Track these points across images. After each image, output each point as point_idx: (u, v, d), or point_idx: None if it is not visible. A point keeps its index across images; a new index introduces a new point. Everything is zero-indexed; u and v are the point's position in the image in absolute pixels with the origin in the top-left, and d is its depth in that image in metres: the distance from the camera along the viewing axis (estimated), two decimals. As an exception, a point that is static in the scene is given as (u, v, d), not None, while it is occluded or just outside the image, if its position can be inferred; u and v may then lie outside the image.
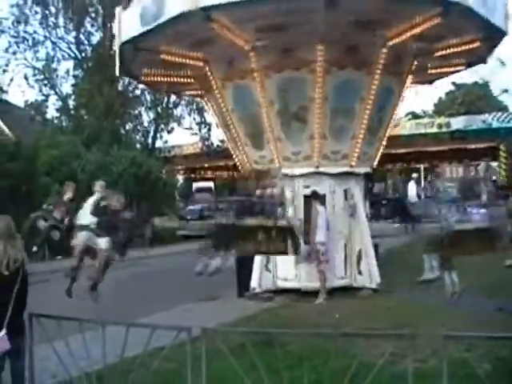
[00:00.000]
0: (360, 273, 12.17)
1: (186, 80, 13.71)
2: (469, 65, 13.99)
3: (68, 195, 12.51)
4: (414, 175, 27.83)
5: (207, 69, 12.38)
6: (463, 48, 11.80)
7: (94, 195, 10.28)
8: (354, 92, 11.83)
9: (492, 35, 11.46)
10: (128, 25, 11.06)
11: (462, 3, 9.54)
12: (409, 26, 10.57)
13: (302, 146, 11.99)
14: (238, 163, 13.83)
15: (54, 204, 12.88)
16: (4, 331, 5.11)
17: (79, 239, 10.18)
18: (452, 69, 14.30)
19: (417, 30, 10.47)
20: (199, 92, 13.94)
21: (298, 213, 11.91)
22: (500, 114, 34.96)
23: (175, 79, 13.69)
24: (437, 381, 4.52)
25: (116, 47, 11.75)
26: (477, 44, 11.60)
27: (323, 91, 11.37)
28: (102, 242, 10.01)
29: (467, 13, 9.87)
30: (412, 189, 25.02)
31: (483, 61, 13.71)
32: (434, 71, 14.13)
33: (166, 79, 13.77)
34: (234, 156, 13.81)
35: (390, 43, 11.23)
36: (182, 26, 10.11)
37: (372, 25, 10.59)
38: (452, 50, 11.99)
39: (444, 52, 12.13)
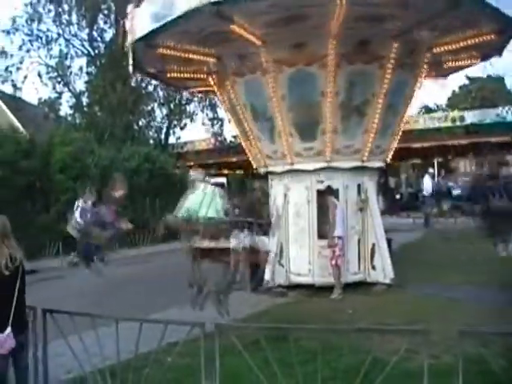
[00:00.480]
0: (374, 268, 12.12)
1: (198, 76, 13.69)
2: (483, 58, 13.83)
3: (120, 192, 12.34)
4: (430, 170, 27.69)
5: (219, 64, 12.36)
6: (477, 40, 11.63)
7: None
8: (366, 86, 11.75)
9: (506, 27, 11.27)
10: (140, 22, 11.01)
11: None
12: (420, 20, 10.43)
13: (315, 141, 11.94)
14: (250, 159, 13.82)
15: (92, 202, 12.53)
16: (9, 329, 5.16)
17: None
18: (466, 62, 14.12)
19: (428, 24, 10.37)
20: (212, 88, 13.88)
21: (311, 210, 11.94)
22: (514, 107, 34.59)
23: (187, 75, 13.68)
24: (452, 377, 4.48)
25: (129, 44, 11.74)
26: (491, 36, 11.44)
27: (335, 86, 11.31)
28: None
29: (480, 4, 9.74)
30: (427, 183, 24.94)
31: (498, 53, 13.53)
32: (448, 65, 13.98)
33: (178, 75, 13.77)
34: (247, 151, 13.79)
35: (401, 37, 11.14)
36: (192, 22, 10.05)
37: (383, 18, 10.49)
38: (465, 43, 11.84)
39: (458, 45, 11.98)
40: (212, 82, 13.44)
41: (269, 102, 11.80)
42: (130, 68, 12.67)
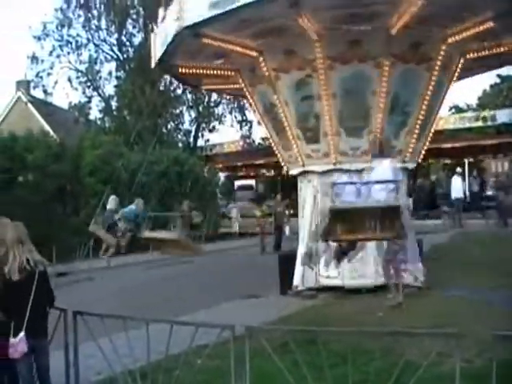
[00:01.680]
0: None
1: (227, 73, 13.48)
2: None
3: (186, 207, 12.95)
4: (458, 169, 27.29)
5: (261, 59, 11.97)
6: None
7: None
8: (413, 87, 11.74)
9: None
10: (193, 9, 10.45)
11: None
12: (473, 24, 10.52)
13: (362, 141, 11.85)
14: (281, 160, 13.72)
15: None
16: (22, 334, 5.21)
17: None
18: (498, 63, 14.06)
19: (479, 28, 10.38)
20: (242, 88, 13.69)
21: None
22: (548, 105, 34.06)
23: (216, 72, 13.44)
24: (484, 381, 4.40)
25: (173, 31, 11.12)
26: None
27: (388, 85, 11.27)
28: None
29: None
30: (457, 183, 24.56)
31: None
32: (479, 68, 13.95)
33: (206, 72, 13.51)
34: (277, 153, 13.70)
35: (450, 40, 11.19)
36: (260, 12, 9.80)
37: (439, 20, 10.52)
38: (503, 49, 11.85)
39: (495, 50, 11.97)
40: (242, 80, 13.26)
41: (318, 100, 11.70)
42: (153, 61, 12.53)
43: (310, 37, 10.75)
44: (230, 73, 13.45)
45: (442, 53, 11.47)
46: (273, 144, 13.79)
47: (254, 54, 11.93)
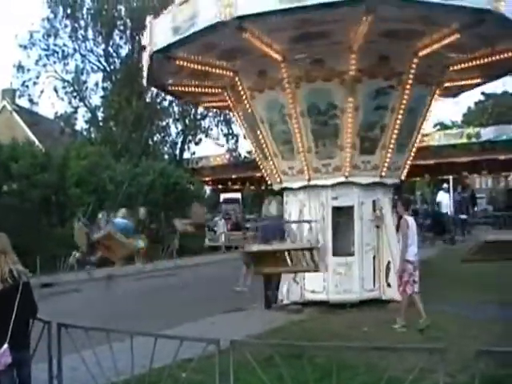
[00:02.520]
0: (389, 285, 11.98)
1: (213, 90, 13.74)
2: (498, 76, 13.88)
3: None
4: (445, 185, 27.52)
5: (236, 79, 12.35)
6: (493, 59, 11.65)
7: None
8: (384, 102, 11.73)
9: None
10: (160, 34, 10.98)
11: (495, 11, 9.36)
12: (441, 36, 10.43)
13: (333, 157, 11.93)
14: (265, 175, 13.81)
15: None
16: (6, 345, 5.16)
17: None
18: (479, 80, 14.16)
19: (449, 40, 10.36)
20: (227, 103, 13.92)
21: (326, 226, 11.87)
22: (531, 124, 34.50)
23: (203, 90, 13.72)
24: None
25: (145, 57, 11.79)
26: (508, 55, 11.43)
27: (354, 101, 11.34)
28: None
29: (500, 21, 9.64)
30: (444, 198, 24.77)
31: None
32: (463, 82, 14.00)
33: (192, 89, 13.79)
34: (262, 167, 13.79)
35: (421, 53, 11.14)
36: (214, 36, 10.06)
37: (405, 34, 10.52)
38: (482, 62, 11.86)
39: (475, 62, 12.00)
40: (228, 97, 13.49)
41: (287, 118, 11.82)
42: (144, 81, 12.73)
43: (275, 57, 10.91)
44: (217, 90, 13.64)
45: (413, 66, 11.35)
46: (257, 158, 13.90)
47: (231, 74, 12.21)
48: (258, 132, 12.64)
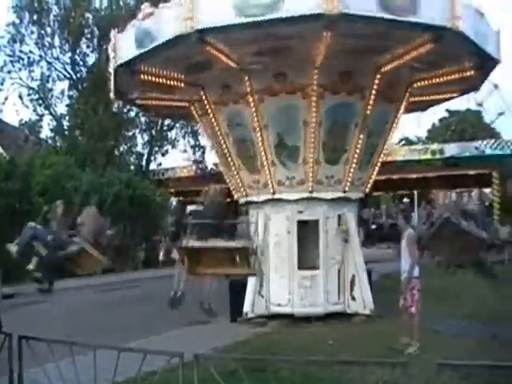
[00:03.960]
0: (353, 299, 12.10)
1: (180, 104, 13.76)
2: (462, 92, 14.13)
3: None
4: (406, 200, 27.87)
5: (202, 93, 12.43)
6: (456, 76, 11.90)
7: None
8: (347, 117, 11.87)
9: (485, 62, 11.53)
10: (124, 48, 11.05)
11: (453, 28, 9.59)
12: (402, 52, 10.66)
13: (297, 171, 12.00)
14: (231, 187, 13.80)
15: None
16: None
17: None
18: (446, 96, 14.42)
19: (410, 56, 10.57)
20: (194, 116, 13.93)
21: (292, 240, 11.92)
22: (493, 141, 35.23)
23: (169, 103, 13.76)
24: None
25: (111, 70, 11.76)
26: (470, 72, 11.69)
27: (317, 116, 11.42)
28: None
29: (459, 39, 9.92)
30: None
31: (476, 88, 13.86)
32: (428, 98, 14.25)
33: (160, 102, 13.84)
34: (228, 180, 13.79)
35: (384, 69, 11.34)
36: (176, 50, 10.13)
37: (366, 50, 10.65)
38: (445, 78, 12.10)
39: (438, 79, 12.22)
40: (194, 111, 13.51)
41: (251, 131, 11.86)
42: (112, 94, 12.70)
43: (238, 71, 11.02)
44: (184, 104, 13.71)
45: (376, 82, 11.56)
46: (223, 171, 13.91)
47: (196, 88, 12.33)
48: (224, 146, 12.69)
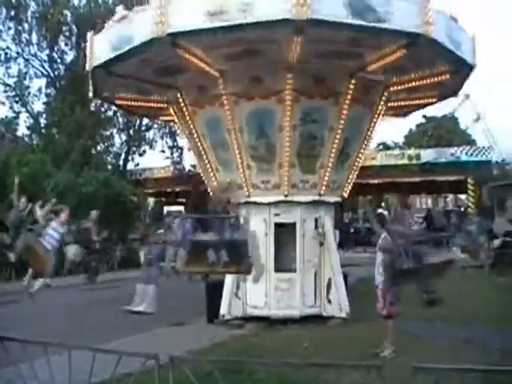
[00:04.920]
0: (329, 302, 12.15)
1: (158, 105, 13.74)
2: (440, 98, 14.29)
3: None
4: (382, 205, 28.16)
5: (178, 95, 12.46)
6: (432, 81, 12.03)
7: None
8: (322, 121, 11.91)
9: (460, 68, 11.66)
10: (99, 49, 11.05)
11: (425, 35, 9.67)
12: (376, 58, 10.78)
13: (272, 175, 12.04)
14: (208, 189, 13.76)
15: None
16: None
17: None
18: (423, 101, 14.57)
19: (383, 62, 10.69)
20: (173, 117, 13.91)
21: (269, 243, 11.96)
22: (468, 147, 35.68)
23: (147, 104, 13.73)
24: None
25: (88, 70, 11.73)
26: (446, 77, 11.82)
27: (292, 120, 11.46)
28: None
29: (432, 45, 10.02)
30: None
31: (454, 94, 14.03)
32: (404, 103, 14.39)
33: (138, 103, 13.81)
34: (205, 181, 13.75)
35: (358, 74, 11.47)
36: (150, 52, 10.17)
37: (339, 55, 10.74)
38: (421, 83, 12.25)
39: (413, 84, 12.40)
40: (173, 112, 13.49)
41: (227, 134, 11.89)
42: (91, 93, 12.64)
43: (213, 74, 11.06)
44: (162, 105, 13.71)
45: (351, 86, 11.64)
46: (201, 173, 13.89)
47: (173, 90, 12.35)
48: (201, 148, 12.72)
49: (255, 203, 12.18)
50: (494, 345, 9.10)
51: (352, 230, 34.87)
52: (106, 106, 32.53)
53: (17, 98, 33.70)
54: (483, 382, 6.41)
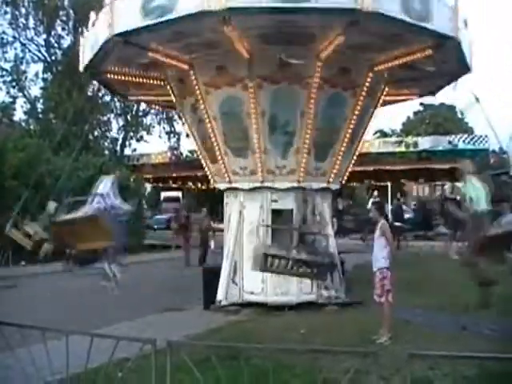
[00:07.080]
0: (326, 288, 12.18)
1: (154, 82, 13.43)
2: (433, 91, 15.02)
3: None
4: (375, 193, 28.27)
5: (191, 73, 12.00)
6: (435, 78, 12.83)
7: None
8: (339, 111, 12.12)
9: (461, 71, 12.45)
10: (125, 16, 10.21)
11: (455, 38, 10.25)
12: (399, 54, 11.22)
13: (286, 160, 12.02)
14: (208, 174, 13.70)
15: None
16: None
17: None
18: (405, 97, 15.47)
19: (405, 59, 11.10)
20: (172, 100, 13.71)
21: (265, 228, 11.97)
22: (465, 135, 35.70)
23: (143, 80, 13.38)
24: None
25: (92, 39, 11.41)
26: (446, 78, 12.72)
27: (315, 106, 11.47)
28: None
29: (455, 48, 10.66)
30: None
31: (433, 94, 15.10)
32: (403, 96, 14.91)
33: (133, 79, 13.39)
34: (205, 166, 13.68)
35: (377, 68, 11.80)
36: (192, 25, 9.80)
37: (365, 48, 11.00)
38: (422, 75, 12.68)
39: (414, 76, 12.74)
40: (171, 91, 13.31)
41: (246, 117, 11.78)
42: (81, 66, 12.36)
43: (241, 54, 10.88)
44: (159, 82, 13.46)
45: (368, 79, 11.96)
46: (201, 157, 13.76)
47: (185, 67, 11.95)
48: (210, 130, 12.35)
49: (258, 188, 12.16)
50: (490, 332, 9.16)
51: (349, 217, 34.89)
52: (103, 90, 32.43)
53: (13, 83, 33.61)
54: (479, 369, 6.47)
